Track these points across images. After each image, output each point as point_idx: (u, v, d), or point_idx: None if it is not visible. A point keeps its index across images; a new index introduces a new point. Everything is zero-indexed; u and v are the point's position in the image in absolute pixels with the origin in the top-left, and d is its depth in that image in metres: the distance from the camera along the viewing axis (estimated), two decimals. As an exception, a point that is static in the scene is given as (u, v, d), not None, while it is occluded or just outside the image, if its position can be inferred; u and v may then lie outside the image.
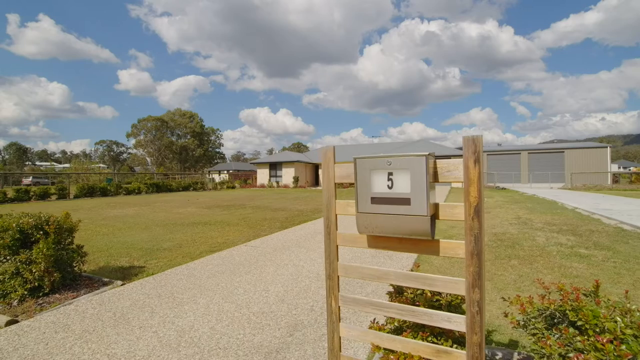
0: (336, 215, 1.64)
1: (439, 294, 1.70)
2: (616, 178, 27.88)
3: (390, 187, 1.38)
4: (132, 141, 78.78)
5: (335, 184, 1.63)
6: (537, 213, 10.22)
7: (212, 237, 6.95)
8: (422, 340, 1.56)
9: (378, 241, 1.52)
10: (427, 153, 1.32)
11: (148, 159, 78.79)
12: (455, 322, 1.41)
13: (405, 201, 1.35)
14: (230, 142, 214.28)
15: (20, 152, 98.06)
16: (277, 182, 30.99)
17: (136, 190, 22.46)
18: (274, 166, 31.85)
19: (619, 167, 53.71)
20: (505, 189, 23.24)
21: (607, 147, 27.68)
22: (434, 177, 1.38)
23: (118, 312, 3.26)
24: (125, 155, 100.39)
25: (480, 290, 1.35)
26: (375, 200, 1.42)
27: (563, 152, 29.19)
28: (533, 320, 1.85)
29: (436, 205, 1.39)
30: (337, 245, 1.65)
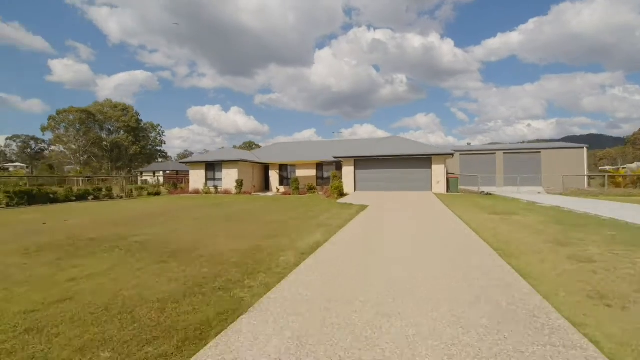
0: None
1: None
2: (595, 180, 26.00)
3: None
4: (50, 136, 65.88)
5: None
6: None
7: None
8: None
9: None
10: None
11: (71, 157, 66.24)
12: None
13: None
14: (179, 140, 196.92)
15: None
16: (216, 187, 24.61)
17: (-12, 202, 14.95)
18: (212, 166, 25.37)
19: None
20: (490, 194, 19.51)
21: (583, 147, 25.58)
22: None
23: None
24: (48, 152, 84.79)
25: None
26: None
27: (539, 152, 26.69)
28: None
29: None
30: None
